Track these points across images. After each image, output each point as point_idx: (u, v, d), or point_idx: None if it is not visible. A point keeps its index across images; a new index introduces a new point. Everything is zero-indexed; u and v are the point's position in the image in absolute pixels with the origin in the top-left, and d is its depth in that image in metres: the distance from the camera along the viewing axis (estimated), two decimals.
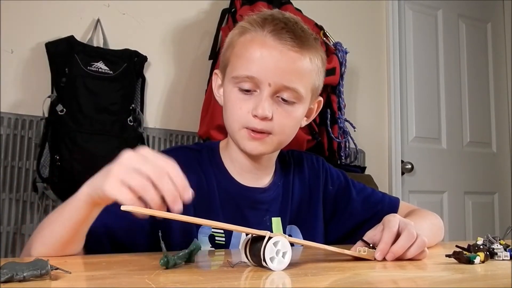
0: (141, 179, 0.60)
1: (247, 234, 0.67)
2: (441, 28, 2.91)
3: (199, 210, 0.92)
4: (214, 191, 0.95)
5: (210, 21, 2.12)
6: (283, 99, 0.89)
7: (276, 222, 0.98)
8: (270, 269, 0.62)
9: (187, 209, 0.91)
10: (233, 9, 2.05)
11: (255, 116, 0.87)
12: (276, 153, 1.00)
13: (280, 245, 0.63)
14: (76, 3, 1.89)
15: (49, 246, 0.71)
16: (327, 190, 1.07)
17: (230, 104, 0.91)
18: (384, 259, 0.75)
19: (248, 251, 0.65)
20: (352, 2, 2.62)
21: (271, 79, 0.86)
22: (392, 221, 0.78)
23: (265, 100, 0.87)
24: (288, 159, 1.06)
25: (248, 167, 0.97)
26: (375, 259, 0.75)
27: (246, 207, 0.96)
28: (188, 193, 0.62)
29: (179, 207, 0.61)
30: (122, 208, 0.58)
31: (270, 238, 0.62)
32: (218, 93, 0.98)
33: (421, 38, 2.84)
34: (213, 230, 0.92)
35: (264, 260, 0.62)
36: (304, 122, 0.99)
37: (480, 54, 3.06)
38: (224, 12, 2.09)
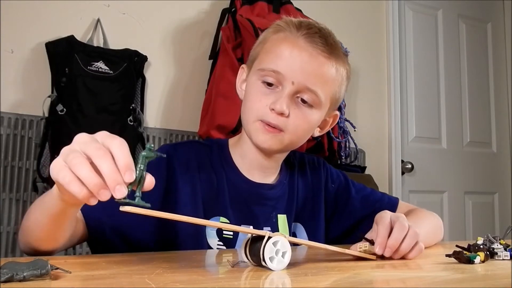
0: (78, 158, 0.55)
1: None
2: (441, 28, 2.91)
3: (209, 205, 0.93)
4: (224, 186, 0.96)
5: (210, 21, 2.12)
6: (303, 100, 0.90)
7: (282, 219, 0.99)
8: (270, 269, 0.62)
9: (197, 203, 0.93)
10: (233, 9, 2.05)
11: (272, 110, 0.89)
12: (286, 154, 1.01)
13: (279, 245, 0.63)
14: (76, 3, 1.89)
15: (36, 232, 0.71)
16: (328, 189, 1.08)
17: (251, 95, 0.93)
18: (384, 259, 0.75)
19: (248, 251, 0.65)
20: (352, 2, 2.62)
21: (295, 78, 0.88)
22: (384, 216, 0.80)
23: (285, 97, 0.88)
24: (292, 160, 1.07)
25: (258, 164, 0.98)
26: (376, 258, 0.76)
27: (254, 202, 0.97)
28: (130, 175, 0.54)
29: (121, 192, 0.53)
30: (121, 209, 0.55)
31: (269, 238, 0.62)
32: (241, 87, 1.00)
33: (421, 38, 2.84)
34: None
35: (264, 260, 0.62)
36: (317, 133, 1.00)
37: (480, 54, 3.06)
38: (224, 12, 2.08)
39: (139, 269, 0.63)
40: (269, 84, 0.90)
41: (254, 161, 0.98)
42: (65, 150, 0.58)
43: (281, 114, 0.88)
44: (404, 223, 0.78)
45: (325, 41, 0.90)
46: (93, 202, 0.55)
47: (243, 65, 1.01)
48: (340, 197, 1.09)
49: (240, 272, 0.63)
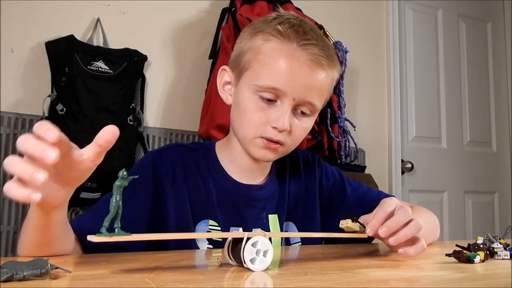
0: (10, 159, 0.54)
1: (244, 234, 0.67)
2: (441, 28, 2.91)
3: (197, 209, 0.93)
4: (211, 189, 0.95)
5: (210, 20, 2.12)
6: (301, 112, 0.90)
7: (273, 219, 0.98)
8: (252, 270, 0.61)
9: (184, 208, 0.92)
10: (233, 9, 2.05)
11: (274, 127, 0.88)
12: None
13: (259, 245, 0.61)
14: (76, 2, 1.89)
15: (29, 249, 0.70)
16: (323, 186, 1.07)
17: (248, 111, 0.90)
18: (386, 252, 0.75)
19: (231, 252, 0.64)
20: (352, 2, 2.62)
21: (296, 94, 0.87)
22: (389, 202, 0.78)
23: (286, 113, 0.87)
24: (284, 158, 1.06)
25: (248, 167, 0.98)
26: (368, 237, 0.76)
27: (243, 204, 0.97)
28: (51, 133, 0.53)
29: (51, 153, 0.53)
30: (88, 238, 0.55)
31: (248, 238, 0.61)
32: (224, 90, 0.97)
33: (421, 38, 2.84)
34: (210, 227, 0.93)
35: (245, 262, 0.61)
36: None
37: (480, 54, 3.06)
38: (224, 12, 2.09)
39: (139, 269, 0.63)
40: (268, 100, 0.88)
41: (244, 165, 0.97)
42: None
43: (283, 130, 0.88)
44: (408, 210, 0.77)
45: (323, 52, 0.88)
46: (35, 197, 0.53)
47: (225, 67, 0.97)
48: (335, 195, 1.08)
49: (240, 271, 0.63)
